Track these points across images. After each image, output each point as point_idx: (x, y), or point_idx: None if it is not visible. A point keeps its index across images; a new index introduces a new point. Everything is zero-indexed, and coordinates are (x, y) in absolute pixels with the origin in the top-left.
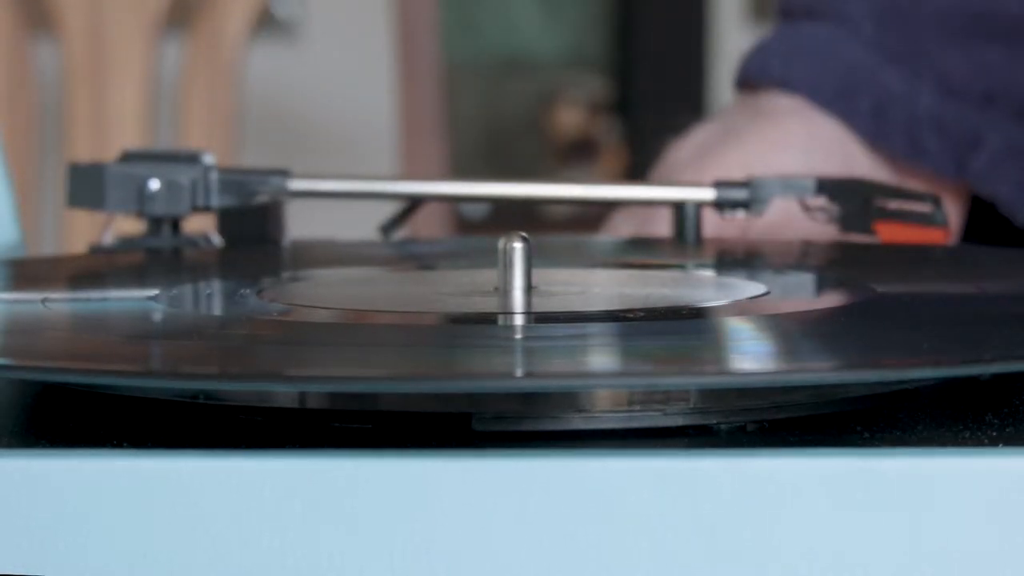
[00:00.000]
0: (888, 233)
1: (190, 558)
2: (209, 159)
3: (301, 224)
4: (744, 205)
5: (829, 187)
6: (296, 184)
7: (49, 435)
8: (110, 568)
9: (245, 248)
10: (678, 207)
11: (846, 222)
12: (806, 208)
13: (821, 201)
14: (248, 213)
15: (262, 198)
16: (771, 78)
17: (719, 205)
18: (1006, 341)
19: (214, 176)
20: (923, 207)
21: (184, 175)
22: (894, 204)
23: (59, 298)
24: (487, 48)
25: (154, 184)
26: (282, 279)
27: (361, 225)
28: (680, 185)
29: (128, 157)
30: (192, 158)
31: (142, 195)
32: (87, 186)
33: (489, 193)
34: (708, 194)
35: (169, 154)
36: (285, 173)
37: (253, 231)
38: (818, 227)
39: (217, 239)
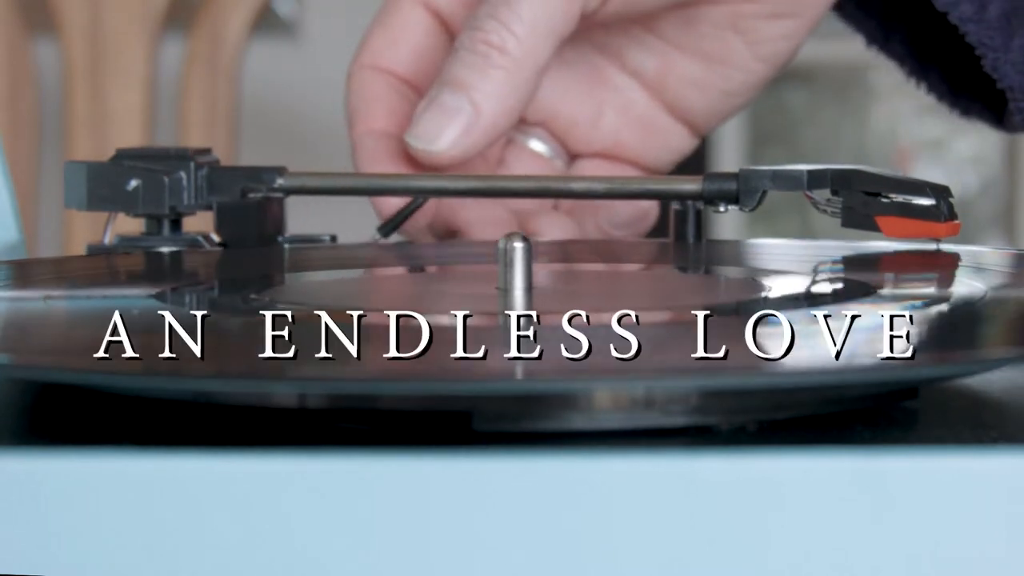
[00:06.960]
0: (890, 228)
1: (190, 558)
2: (203, 156)
3: (300, 226)
4: (733, 199)
5: (824, 178)
6: (290, 181)
7: (49, 435)
8: (110, 568)
9: (245, 248)
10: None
11: (847, 216)
12: (814, 203)
13: (826, 194)
14: (245, 210)
15: (257, 195)
16: None
17: (706, 198)
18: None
19: (204, 173)
20: (926, 200)
21: (176, 172)
22: (895, 196)
23: (60, 295)
24: None
25: (135, 182)
26: (282, 279)
27: (361, 225)
28: (666, 179)
29: (120, 156)
30: (183, 155)
31: (136, 195)
32: (83, 186)
33: (487, 187)
34: (693, 186)
35: (161, 152)
36: (280, 170)
37: (251, 228)
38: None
39: (217, 237)
